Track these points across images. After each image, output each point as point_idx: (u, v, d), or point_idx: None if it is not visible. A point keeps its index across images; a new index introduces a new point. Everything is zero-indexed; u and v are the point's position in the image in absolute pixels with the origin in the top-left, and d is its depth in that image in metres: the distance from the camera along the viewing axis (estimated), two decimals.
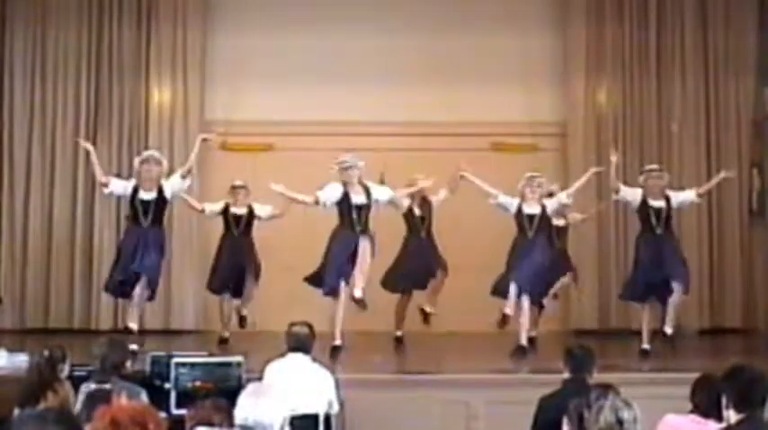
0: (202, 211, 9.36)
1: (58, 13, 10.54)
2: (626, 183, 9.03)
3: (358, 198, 8.45)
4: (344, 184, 8.44)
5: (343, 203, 8.39)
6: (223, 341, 9.08)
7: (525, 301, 8.48)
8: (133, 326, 8.25)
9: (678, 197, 8.69)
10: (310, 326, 6.13)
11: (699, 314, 10.44)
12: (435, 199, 9.26)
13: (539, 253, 8.56)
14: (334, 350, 8.18)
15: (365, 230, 8.41)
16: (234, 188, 9.25)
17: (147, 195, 8.33)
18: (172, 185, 8.43)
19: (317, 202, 8.37)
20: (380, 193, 8.61)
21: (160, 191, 8.34)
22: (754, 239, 10.65)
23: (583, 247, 10.32)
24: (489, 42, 10.62)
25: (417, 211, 9.26)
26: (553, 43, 10.93)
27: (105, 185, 8.48)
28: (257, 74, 10.60)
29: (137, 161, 8.55)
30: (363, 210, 8.46)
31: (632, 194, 8.68)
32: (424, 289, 9.24)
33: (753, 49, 10.79)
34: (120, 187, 8.45)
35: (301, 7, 10.58)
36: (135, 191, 8.34)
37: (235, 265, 9.14)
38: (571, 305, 10.36)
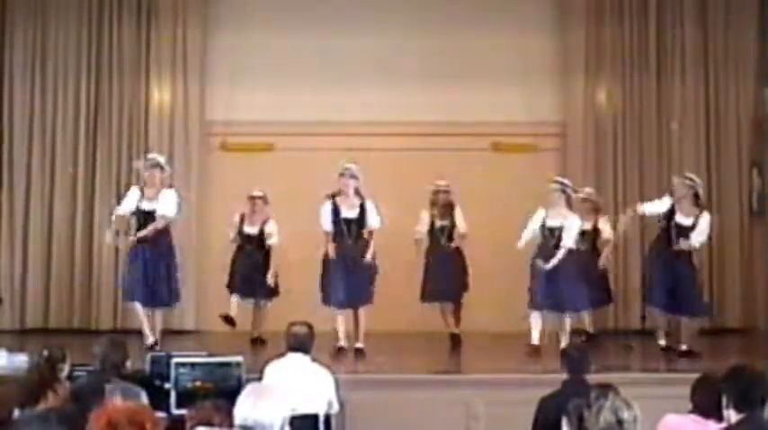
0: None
1: (58, 13, 10.52)
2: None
3: (349, 212, 8.56)
4: (336, 195, 8.56)
5: (335, 217, 8.55)
6: (254, 340, 9.15)
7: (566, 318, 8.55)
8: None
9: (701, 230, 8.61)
10: (310, 326, 6.13)
11: None
12: (458, 211, 9.25)
13: (563, 272, 8.53)
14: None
15: (356, 243, 8.55)
16: (251, 199, 9.18)
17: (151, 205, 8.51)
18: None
19: (327, 233, 8.56)
20: (372, 220, 8.62)
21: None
22: (755, 239, 10.64)
23: None
24: (489, 42, 10.60)
25: (438, 222, 9.24)
26: (553, 43, 10.91)
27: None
28: (257, 74, 10.58)
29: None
30: (353, 223, 8.56)
31: (658, 206, 8.66)
32: (453, 301, 9.29)
33: (753, 49, 10.78)
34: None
35: (301, 7, 10.58)
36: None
37: (250, 280, 9.18)
38: None
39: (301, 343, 6.02)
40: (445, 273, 9.18)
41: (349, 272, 8.54)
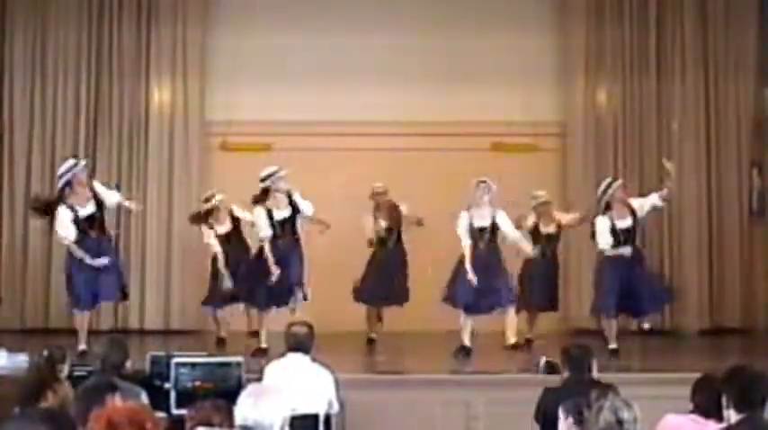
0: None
1: (58, 13, 10.52)
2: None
3: (279, 213, 8.49)
4: (268, 202, 8.49)
5: (271, 221, 8.50)
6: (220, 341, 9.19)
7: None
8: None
9: (644, 205, 8.64)
10: (310, 326, 6.12)
11: (699, 314, 10.43)
12: (404, 207, 9.29)
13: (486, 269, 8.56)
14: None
15: (291, 239, 8.49)
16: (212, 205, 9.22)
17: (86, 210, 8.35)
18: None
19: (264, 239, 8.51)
20: (304, 208, 8.54)
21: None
22: (755, 239, 10.64)
23: (581, 249, 10.23)
24: (489, 42, 10.61)
25: (383, 223, 9.28)
26: (553, 43, 10.92)
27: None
28: (257, 74, 10.58)
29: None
30: (287, 223, 8.49)
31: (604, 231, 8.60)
32: (391, 305, 9.32)
33: (753, 49, 10.79)
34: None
35: (301, 7, 10.58)
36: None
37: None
38: (570, 305, 10.34)
39: (301, 343, 6.01)
40: (388, 274, 9.24)
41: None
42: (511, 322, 8.67)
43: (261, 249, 8.55)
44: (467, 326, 8.58)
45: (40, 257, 10.34)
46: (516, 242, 8.74)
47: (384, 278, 9.25)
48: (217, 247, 9.05)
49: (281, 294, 8.45)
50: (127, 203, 8.79)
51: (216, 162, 10.67)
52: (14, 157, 10.45)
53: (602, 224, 8.55)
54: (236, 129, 10.60)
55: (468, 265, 8.40)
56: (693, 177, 10.44)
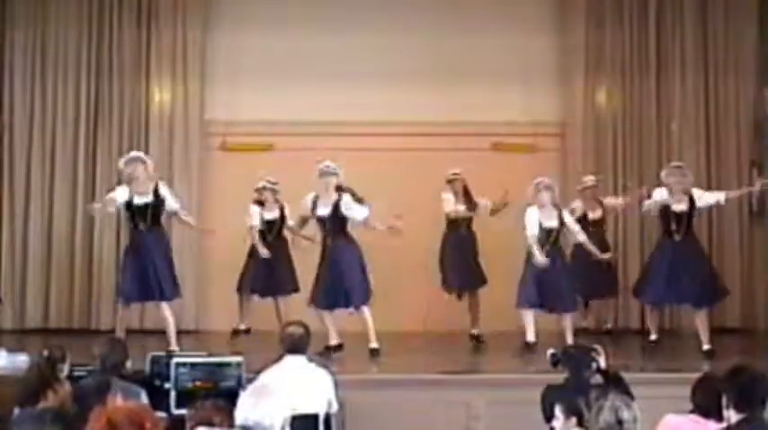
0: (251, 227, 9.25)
1: (58, 13, 10.53)
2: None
3: (323, 210, 8.35)
4: (318, 194, 8.40)
5: (313, 213, 8.43)
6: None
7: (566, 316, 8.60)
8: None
9: (703, 196, 8.67)
10: (306, 327, 6.07)
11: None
12: (483, 203, 9.27)
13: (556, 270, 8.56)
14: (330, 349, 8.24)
15: (336, 238, 8.34)
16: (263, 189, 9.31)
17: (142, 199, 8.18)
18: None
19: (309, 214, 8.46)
20: (356, 212, 8.32)
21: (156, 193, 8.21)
22: (755, 239, 10.64)
23: None
24: (489, 42, 10.61)
25: (462, 209, 9.23)
26: (553, 43, 10.92)
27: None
28: (257, 74, 10.58)
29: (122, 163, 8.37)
30: (328, 221, 8.35)
31: (656, 197, 8.60)
32: (470, 290, 9.26)
33: (753, 49, 10.79)
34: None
35: (301, 7, 10.58)
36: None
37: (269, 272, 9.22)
38: None
39: (297, 345, 5.96)
40: (465, 260, 9.21)
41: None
42: (568, 325, 8.60)
43: (323, 248, 8.46)
44: (530, 323, 8.53)
45: (40, 257, 10.34)
46: (583, 243, 8.75)
47: (459, 264, 9.18)
48: (255, 221, 9.13)
49: (338, 295, 8.35)
50: (185, 217, 8.68)
51: (216, 162, 10.68)
52: (14, 157, 10.45)
53: (657, 194, 8.54)
54: (236, 129, 10.60)
55: (536, 251, 8.33)
56: (693, 177, 10.40)
